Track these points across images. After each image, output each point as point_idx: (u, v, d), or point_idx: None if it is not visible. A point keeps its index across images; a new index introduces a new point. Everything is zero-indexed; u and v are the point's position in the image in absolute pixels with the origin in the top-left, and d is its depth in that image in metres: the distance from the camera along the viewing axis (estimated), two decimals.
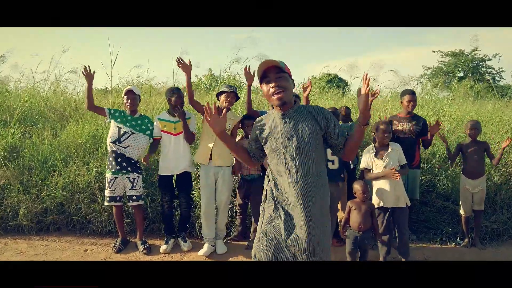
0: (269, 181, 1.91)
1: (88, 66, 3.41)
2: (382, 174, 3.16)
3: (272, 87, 1.75)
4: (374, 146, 3.30)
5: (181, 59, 3.33)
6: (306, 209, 1.77)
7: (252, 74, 3.41)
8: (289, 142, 1.79)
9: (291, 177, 1.79)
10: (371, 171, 3.26)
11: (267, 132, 1.87)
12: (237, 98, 3.55)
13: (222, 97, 3.48)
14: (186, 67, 3.34)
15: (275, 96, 1.76)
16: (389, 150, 3.22)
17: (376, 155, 3.25)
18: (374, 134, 3.39)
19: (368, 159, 3.28)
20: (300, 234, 1.76)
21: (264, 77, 1.78)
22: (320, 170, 1.85)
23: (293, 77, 1.87)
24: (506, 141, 3.74)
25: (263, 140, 1.90)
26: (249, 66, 3.36)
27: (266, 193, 1.92)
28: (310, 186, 1.79)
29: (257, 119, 1.99)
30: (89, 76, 3.41)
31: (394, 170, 3.07)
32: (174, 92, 3.57)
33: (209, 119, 1.81)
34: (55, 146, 4.64)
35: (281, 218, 1.81)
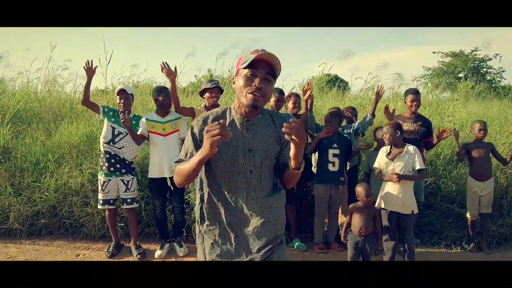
0: (208, 198, 1.57)
1: (91, 61, 3.30)
2: (387, 179, 3.05)
3: (255, 85, 1.38)
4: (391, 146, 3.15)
5: (166, 64, 3.20)
6: (266, 232, 1.53)
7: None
8: (250, 154, 1.48)
9: (248, 196, 1.51)
10: (382, 171, 3.13)
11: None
12: (222, 91, 3.50)
13: (207, 95, 3.40)
14: (170, 73, 3.22)
15: (251, 95, 1.39)
16: (403, 152, 3.05)
17: (388, 155, 3.11)
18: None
19: (381, 159, 3.14)
20: (257, 259, 1.52)
21: (253, 67, 1.40)
22: (275, 184, 1.62)
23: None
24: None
25: None
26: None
27: (204, 214, 1.58)
28: (270, 203, 1.55)
29: (203, 117, 1.54)
30: (90, 70, 3.28)
31: (394, 174, 2.94)
32: (162, 91, 3.44)
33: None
34: (48, 147, 4.52)
35: (231, 243, 1.55)
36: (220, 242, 1.55)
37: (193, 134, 1.52)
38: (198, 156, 1.35)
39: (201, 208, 1.59)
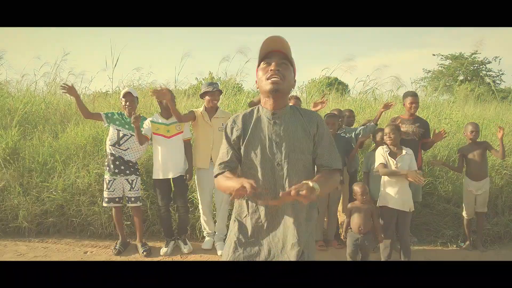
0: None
1: (65, 82, 3.42)
2: (404, 172, 3.03)
3: (271, 69, 1.44)
4: (388, 146, 3.26)
5: (156, 90, 3.32)
6: (298, 225, 1.50)
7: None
8: (278, 148, 1.48)
9: (275, 191, 1.47)
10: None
11: (249, 133, 1.53)
12: (221, 92, 3.65)
13: (207, 98, 3.51)
14: (164, 95, 3.31)
15: (270, 80, 1.43)
16: (403, 153, 3.19)
17: (390, 155, 3.22)
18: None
19: (382, 157, 3.25)
20: (291, 254, 1.48)
21: (266, 57, 1.48)
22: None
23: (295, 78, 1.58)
24: (499, 132, 3.68)
25: (241, 143, 1.54)
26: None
27: (239, 211, 1.59)
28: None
29: (233, 118, 1.60)
30: (70, 90, 3.39)
31: (419, 173, 3.01)
32: None
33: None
34: (55, 148, 4.64)
35: (256, 240, 1.54)
36: (243, 239, 1.54)
37: (226, 135, 1.58)
38: (230, 187, 1.40)
39: (239, 206, 1.61)
